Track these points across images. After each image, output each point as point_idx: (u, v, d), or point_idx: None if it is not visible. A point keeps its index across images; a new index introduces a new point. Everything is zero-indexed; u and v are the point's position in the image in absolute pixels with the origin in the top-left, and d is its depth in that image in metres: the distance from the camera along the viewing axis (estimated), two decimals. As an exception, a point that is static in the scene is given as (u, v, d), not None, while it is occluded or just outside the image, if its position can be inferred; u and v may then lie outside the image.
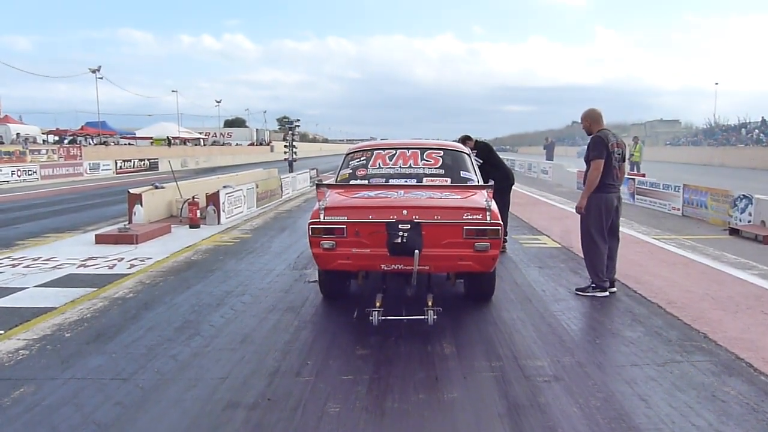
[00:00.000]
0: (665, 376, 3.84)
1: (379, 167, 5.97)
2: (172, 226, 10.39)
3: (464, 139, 8.53)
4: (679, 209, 12.83)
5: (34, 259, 7.79)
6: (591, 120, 5.92)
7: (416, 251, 4.67)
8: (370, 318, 4.65)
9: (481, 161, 8.08)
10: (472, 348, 4.41)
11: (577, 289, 5.97)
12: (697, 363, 4.06)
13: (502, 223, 4.97)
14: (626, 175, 9.38)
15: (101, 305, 5.60)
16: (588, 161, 5.78)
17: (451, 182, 5.76)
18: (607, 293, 5.80)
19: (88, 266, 7.33)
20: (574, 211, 6.06)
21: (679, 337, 4.59)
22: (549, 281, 6.45)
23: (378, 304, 4.80)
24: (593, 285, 5.84)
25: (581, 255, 6.81)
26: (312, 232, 4.98)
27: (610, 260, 5.87)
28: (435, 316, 4.66)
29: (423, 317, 4.69)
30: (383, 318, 4.68)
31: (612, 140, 5.74)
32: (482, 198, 5.11)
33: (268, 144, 72.06)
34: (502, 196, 8.12)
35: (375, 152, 6.17)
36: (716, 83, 65.30)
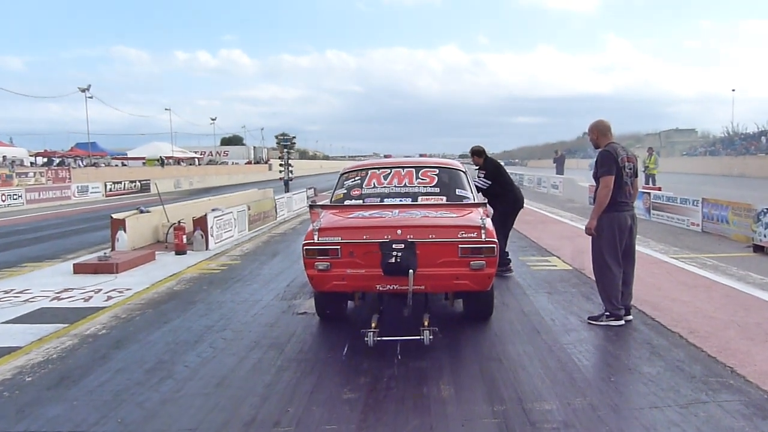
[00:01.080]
0: (689, 420, 3.57)
1: (374, 187, 6.13)
2: (156, 252, 10.19)
3: (475, 152, 8.26)
4: (698, 225, 12.56)
5: (6, 292, 7.58)
6: (599, 132, 5.71)
7: (411, 271, 4.79)
8: (366, 339, 4.75)
9: (489, 182, 7.93)
10: (473, 389, 4.15)
11: (589, 318, 5.70)
12: (725, 403, 3.78)
13: (497, 241, 5.04)
14: (640, 191, 9.09)
15: (70, 344, 5.38)
16: (597, 178, 5.55)
17: (447, 200, 5.88)
18: (622, 322, 5.53)
19: (62, 299, 7.14)
20: (585, 233, 5.83)
21: (703, 373, 4.32)
22: (559, 309, 6.20)
23: (374, 325, 4.94)
24: (607, 313, 5.57)
25: (594, 278, 6.57)
26: (306, 253, 5.09)
27: (625, 286, 5.60)
28: (431, 336, 4.77)
29: (419, 337, 4.77)
30: (378, 339, 4.79)
31: (622, 154, 5.51)
32: (477, 216, 5.22)
33: (266, 162, 72.27)
34: (506, 219, 7.95)
35: (370, 171, 6.34)
36: (733, 90, 65.61)
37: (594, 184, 5.70)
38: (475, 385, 4.23)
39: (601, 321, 5.56)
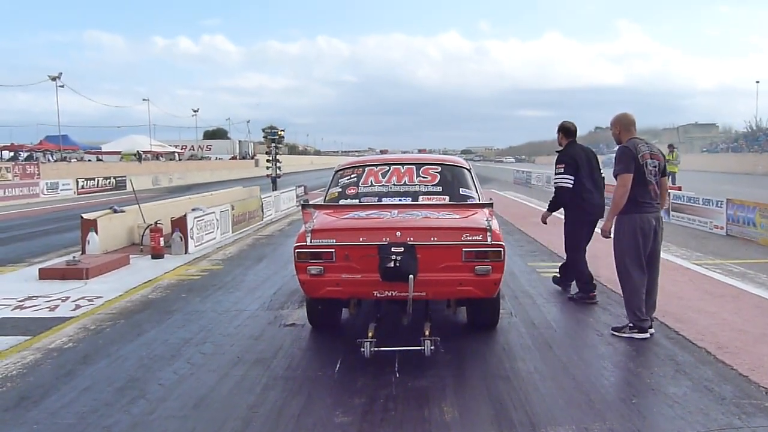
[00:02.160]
0: (721, 448, 3.47)
1: (371, 185, 6.12)
2: (131, 256, 10.07)
3: (561, 129, 6.92)
4: (722, 228, 12.49)
5: (-37, 300, 7.44)
6: (621, 126, 5.66)
7: (411, 276, 4.76)
8: (362, 350, 4.71)
9: (572, 179, 6.59)
10: (479, 412, 4.05)
11: (612, 329, 5.61)
12: (761, 429, 3.69)
13: (504, 244, 4.98)
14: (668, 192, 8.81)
15: (31, 359, 5.26)
16: (616, 176, 5.46)
17: (450, 200, 5.87)
18: (647, 334, 5.44)
19: (25, 308, 7.02)
20: (601, 235, 5.75)
21: (734, 394, 4.23)
22: (573, 321, 6.13)
23: (370, 335, 4.91)
24: (630, 325, 5.48)
25: (610, 287, 6.50)
26: (298, 256, 5.07)
27: (648, 296, 5.51)
28: (432, 347, 4.74)
29: (419, 348, 4.74)
30: (376, 349, 4.76)
31: (644, 150, 5.42)
32: (483, 217, 5.17)
33: (252, 157, 72.16)
34: (579, 230, 6.83)
35: (367, 169, 6.35)
36: (757, 81, 65.26)
37: (615, 180, 5.62)
38: (482, 406, 4.13)
39: (624, 333, 5.50)
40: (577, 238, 6.83)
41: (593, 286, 6.79)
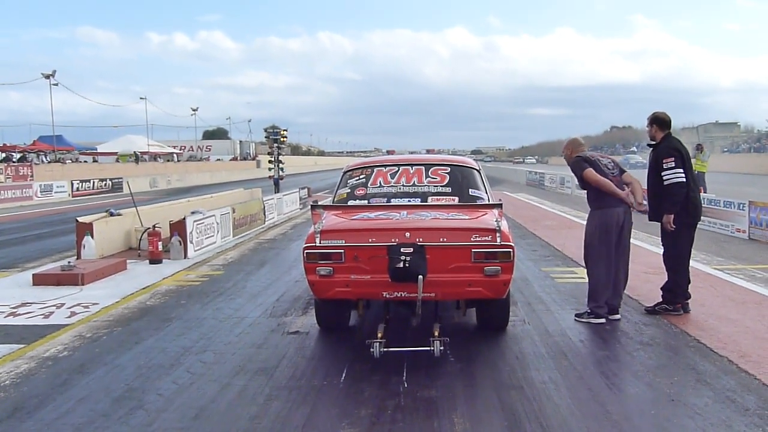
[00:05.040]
0: (745, 461, 3.46)
1: (380, 186, 6.32)
2: (128, 261, 10.11)
3: (654, 120, 6.40)
4: (744, 231, 12.45)
5: (-46, 307, 7.49)
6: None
7: (420, 277, 4.92)
8: (371, 350, 4.86)
9: (683, 172, 6.14)
10: (491, 423, 4.05)
11: (576, 315, 6.46)
12: (786, 442, 3.67)
13: (513, 244, 5.14)
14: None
15: (26, 368, 5.29)
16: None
17: (459, 201, 6.06)
18: (603, 320, 6.17)
19: (18, 315, 7.06)
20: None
21: (758, 405, 4.22)
22: (588, 329, 6.11)
23: (380, 335, 5.05)
24: (588, 311, 6.32)
25: (627, 292, 6.53)
26: (307, 257, 5.25)
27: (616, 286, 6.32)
28: (441, 347, 4.91)
29: (429, 348, 4.89)
30: (385, 349, 4.90)
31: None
32: (492, 218, 5.32)
33: (253, 158, 72.37)
34: (684, 234, 6.35)
35: (375, 169, 6.55)
36: (781, 78, 65.27)
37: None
38: (494, 418, 4.13)
39: (583, 318, 6.27)
40: (681, 245, 6.35)
41: (684, 296, 6.40)
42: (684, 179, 6.10)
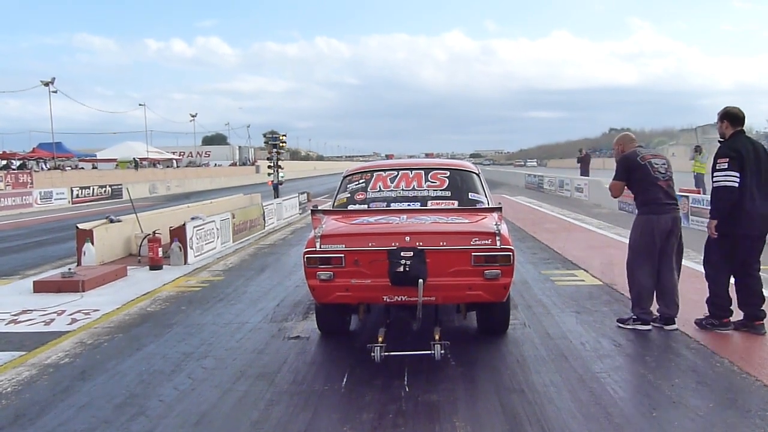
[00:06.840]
0: (747, 463, 3.46)
1: (380, 190, 6.35)
2: (128, 267, 10.10)
3: (725, 116, 5.80)
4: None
5: (-45, 315, 7.50)
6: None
7: (420, 281, 4.93)
8: (372, 354, 4.86)
9: (738, 176, 5.53)
10: (492, 427, 4.05)
11: (618, 320, 6.25)
12: (787, 443, 3.67)
13: (513, 248, 5.15)
14: (678, 194, 8.77)
15: (27, 375, 5.29)
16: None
17: (459, 205, 6.09)
18: (649, 327, 6.00)
19: (19, 322, 7.06)
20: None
21: (759, 407, 4.22)
22: (589, 331, 6.11)
23: (380, 339, 5.04)
24: (634, 317, 6.10)
25: (628, 295, 6.51)
26: (307, 262, 5.25)
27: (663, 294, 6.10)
28: (442, 351, 4.92)
29: (429, 352, 4.91)
30: (386, 354, 4.91)
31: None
32: (492, 221, 5.38)
33: (252, 164, 72.40)
34: (733, 244, 5.74)
35: (375, 174, 6.57)
36: (778, 79, 65.29)
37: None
38: (495, 421, 4.14)
39: (628, 324, 6.07)
40: (716, 253, 5.83)
41: (728, 311, 5.87)
42: (734, 183, 5.49)
